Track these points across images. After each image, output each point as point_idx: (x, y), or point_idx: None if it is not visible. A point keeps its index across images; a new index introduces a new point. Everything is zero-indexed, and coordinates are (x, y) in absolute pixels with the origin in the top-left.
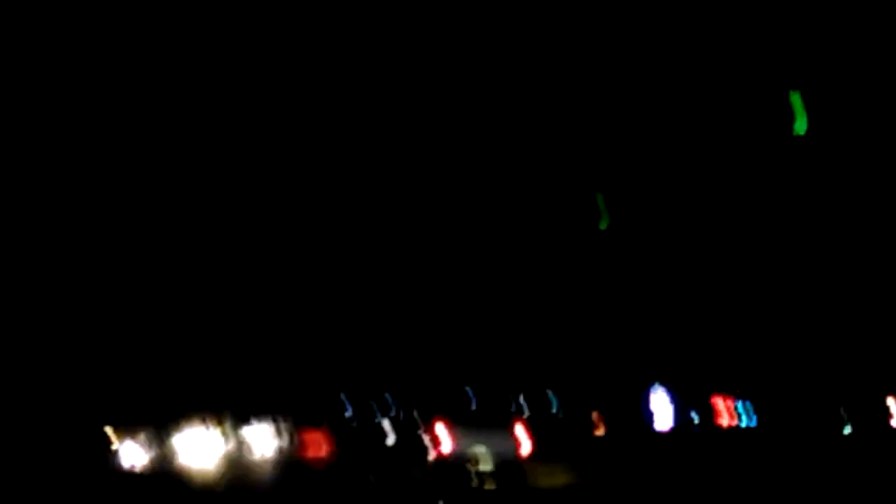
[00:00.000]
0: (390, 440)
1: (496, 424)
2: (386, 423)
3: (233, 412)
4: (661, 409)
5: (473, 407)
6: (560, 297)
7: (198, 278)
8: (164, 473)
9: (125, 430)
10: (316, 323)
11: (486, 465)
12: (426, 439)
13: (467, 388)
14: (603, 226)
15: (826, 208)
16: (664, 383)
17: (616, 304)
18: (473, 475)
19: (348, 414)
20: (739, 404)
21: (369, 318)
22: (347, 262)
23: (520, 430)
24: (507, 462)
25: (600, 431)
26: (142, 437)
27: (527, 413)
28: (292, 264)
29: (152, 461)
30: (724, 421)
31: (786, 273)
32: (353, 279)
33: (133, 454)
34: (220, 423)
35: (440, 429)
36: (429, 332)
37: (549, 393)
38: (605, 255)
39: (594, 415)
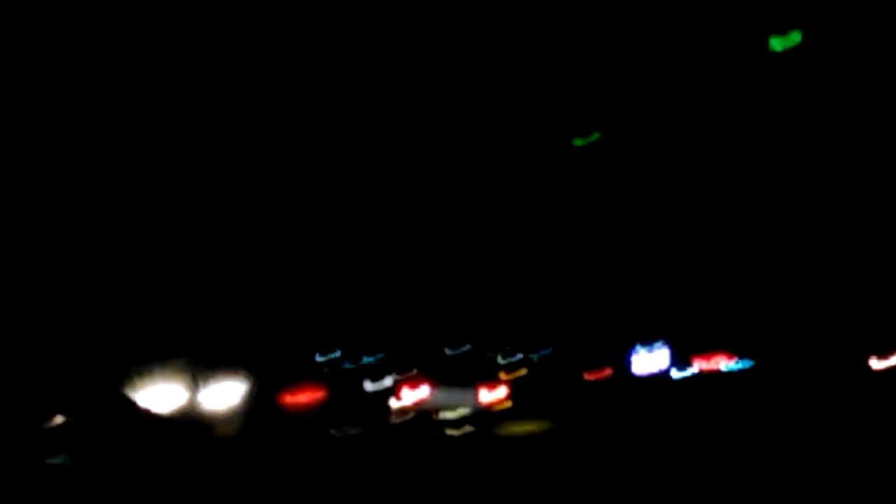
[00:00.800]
0: (369, 398)
1: (472, 382)
2: (367, 384)
3: (205, 366)
4: (645, 368)
5: (451, 364)
6: (543, 254)
7: (174, 230)
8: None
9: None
10: (295, 281)
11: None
12: (402, 398)
13: (447, 348)
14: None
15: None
16: (647, 343)
17: (599, 264)
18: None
19: (326, 371)
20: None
21: (350, 274)
22: (325, 220)
23: (493, 389)
24: (477, 412)
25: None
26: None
27: (505, 369)
28: (272, 224)
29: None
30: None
31: (771, 232)
32: (329, 238)
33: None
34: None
35: (416, 388)
36: (411, 291)
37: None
38: (583, 223)
39: (585, 373)
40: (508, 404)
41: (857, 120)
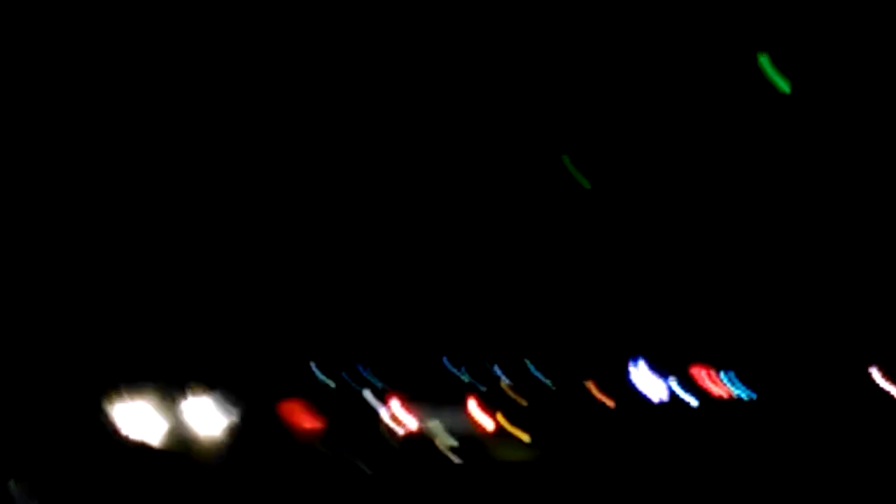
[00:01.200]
0: (369, 413)
1: (457, 400)
2: (367, 395)
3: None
4: (644, 382)
5: (440, 384)
6: (541, 273)
7: (164, 240)
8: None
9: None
10: (286, 293)
11: (444, 440)
12: (388, 414)
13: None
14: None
15: (800, 179)
16: (645, 356)
17: (596, 279)
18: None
19: (324, 385)
20: (722, 375)
21: (339, 287)
22: (320, 232)
23: (476, 407)
24: (467, 436)
25: (600, 399)
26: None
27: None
28: (263, 235)
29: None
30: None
31: (766, 245)
32: (324, 249)
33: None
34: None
35: (399, 405)
36: (406, 302)
37: (529, 364)
38: (583, 235)
39: (588, 384)
40: (505, 426)
41: (830, 126)
